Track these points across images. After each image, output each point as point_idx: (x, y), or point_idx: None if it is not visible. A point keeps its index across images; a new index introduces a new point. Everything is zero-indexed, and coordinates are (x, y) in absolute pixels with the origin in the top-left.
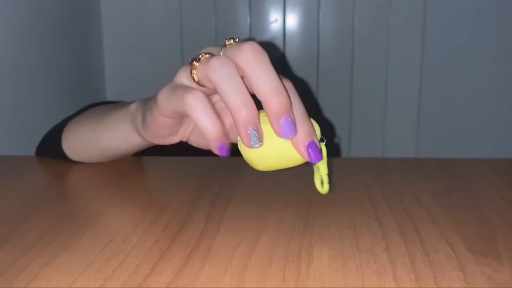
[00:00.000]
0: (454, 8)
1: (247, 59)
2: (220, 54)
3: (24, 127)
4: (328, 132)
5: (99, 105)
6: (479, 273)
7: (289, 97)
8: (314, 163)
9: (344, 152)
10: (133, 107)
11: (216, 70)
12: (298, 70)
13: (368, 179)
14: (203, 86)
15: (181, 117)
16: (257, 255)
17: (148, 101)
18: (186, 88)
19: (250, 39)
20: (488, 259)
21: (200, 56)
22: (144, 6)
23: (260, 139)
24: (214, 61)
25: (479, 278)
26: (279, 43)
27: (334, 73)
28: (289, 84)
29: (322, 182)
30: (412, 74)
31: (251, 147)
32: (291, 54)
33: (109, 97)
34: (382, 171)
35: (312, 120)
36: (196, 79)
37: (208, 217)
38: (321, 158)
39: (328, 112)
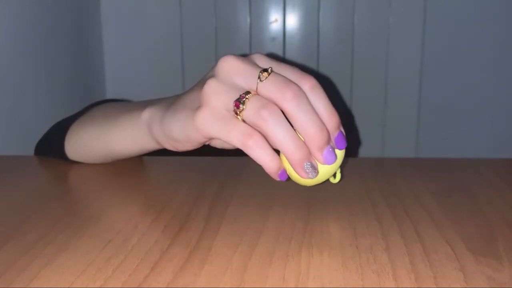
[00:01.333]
0: (454, 8)
1: (291, 105)
2: (257, 89)
3: (24, 127)
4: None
5: (104, 103)
6: (479, 273)
7: (327, 130)
8: (340, 149)
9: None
10: (146, 114)
11: (268, 123)
12: None
13: (368, 179)
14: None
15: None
16: (257, 255)
17: (168, 110)
18: (240, 126)
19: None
20: (488, 259)
21: (245, 99)
22: (144, 6)
23: (315, 169)
24: (265, 114)
25: (479, 278)
26: (279, 43)
27: (334, 73)
28: (313, 81)
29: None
30: (412, 74)
31: (308, 178)
32: (291, 54)
33: (109, 97)
34: (382, 171)
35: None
36: (241, 119)
37: (208, 217)
38: (346, 144)
39: None
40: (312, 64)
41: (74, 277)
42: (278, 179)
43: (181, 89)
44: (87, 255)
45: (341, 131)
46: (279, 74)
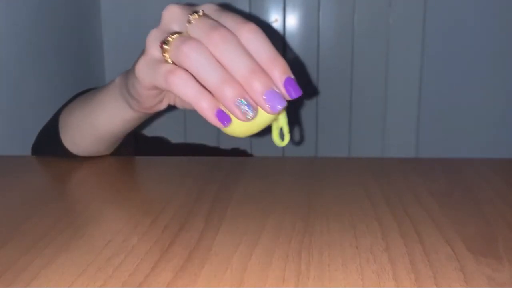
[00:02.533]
0: (454, 8)
1: (217, 46)
2: (186, 32)
3: (24, 127)
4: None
5: (85, 92)
6: (479, 273)
7: (264, 73)
8: (292, 98)
9: (344, 152)
10: (118, 80)
11: (189, 57)
12: (298, 70)
13: (368, 179)
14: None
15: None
16: (257, 255)
17: (130, 73)
18: (165, 66)
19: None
20: (488, 259)
21: (169, 38)
22: (144, 6)
23: (253, 107)
24: (185, 49)
25: (479, 278)
26: (279, 43)
27: (334, 73)
28: (252, 27)
29: (281, 135)
30: (412, 74)
31: (246, 119)
32: (291, 54)
33: None
34: (382, 171)
35: None
36: (170, 61)
37: (208, 217)
38: (300, 92)
39: (328, 112)
40: (312, 64)
41: (74, 277)
42: (217, 123)
43: None
44: (87, 255)
45: (291, 77)
46: (211, 19)
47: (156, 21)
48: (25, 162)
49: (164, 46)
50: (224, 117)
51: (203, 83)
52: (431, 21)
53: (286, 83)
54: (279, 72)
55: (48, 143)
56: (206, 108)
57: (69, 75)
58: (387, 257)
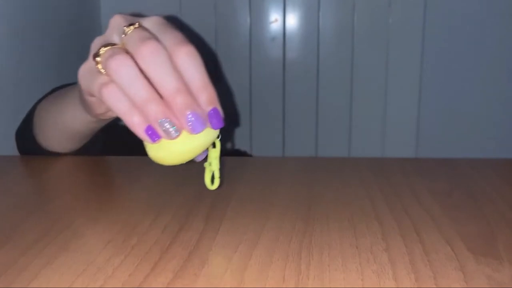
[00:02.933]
0: (454, 8)
1: (145, 60)
2: (119, 45)
3: None
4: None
5: (64, 86)
6: (479, 273)
7: (190, 94)
8: (215, 129)
9: (344, 152)
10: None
11: (116, 73)
12: (298, 70)
13: (368, 179)
14: None
15: None
16: (257, 255)
17: None
18: (100, 78)
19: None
20: (488, 259)
21: (100, 50)
22: (144, 7)
23: (175, 129)
24: (112, 64)
25: (479, 278)
26: (279, 43)
27: (334, 73)
28: (190, 49)
29: (213, 178)
30: (412, 74)
31: (170, 138)
32: (291, 54)
33: None
34: (382, 171)
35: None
36: (104, 72)
37: (208, 217)
38: (223, 124)
39: (328, 112)
40: (312, 64)
41: (74, 277)
42: (147, 139)
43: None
44: (87, 255)
45: (217, 108)
46: (146, 31)
47: None
48: (25, 162)
49: (96, 58)
50: (153, 134)
51: (130, 99)
52: (431, 21)
53: (211, 113)
54: (207, 100)
55: (24, 137)
56: (136, 124)
57: (68, 75)
58: (387, 257)
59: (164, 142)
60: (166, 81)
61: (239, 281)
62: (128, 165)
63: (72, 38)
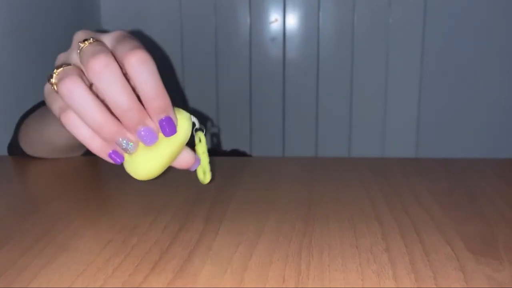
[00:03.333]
0: (454, 8)
1: (95, 77)
2: (74, 61)
3: None
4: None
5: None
6: (479, 273)
7: (143, 109)
8: (166, 136)
9: (344, 152)
10: None
11: (68, 98)
12: (298, 70)
13: (368, 179)
14: None
15: None
16: (257, 255)
17: None
18: (58, 102)
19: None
20: (488, 259)
21: (54, 72)
22: (144, 6)
23: (133, 144)
24: (63, 88)
25: (479, 278)
26: (279, 43)
27: (334, 73)
28: (141, 55)
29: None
30: (412, 74)
31: (129, 153)
32: (291, 54)
33: None
34: (382, 171)
35: (183, 111)
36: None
37: (208, 217)
38: (175, 131)
39: (328, 112)
40: (312, 64)
41: (74, 277)
42: (111, 161)
43: (182, 89)
44: (87, 255)
45: (169, 116)
46: (99, 45)
47: (155, 21)
48: (25, 163)
49: (51, 80)
50: (117, 156)
51: (87, 124)
52: (431, 21)
53: (163, 121)
54: (159, 109)
55: (15, 152)
56: (99, 150)
57: None
58: (387, 257)
59: (134, 157)
60: (116, 100)
61: (239, 281)
62: None
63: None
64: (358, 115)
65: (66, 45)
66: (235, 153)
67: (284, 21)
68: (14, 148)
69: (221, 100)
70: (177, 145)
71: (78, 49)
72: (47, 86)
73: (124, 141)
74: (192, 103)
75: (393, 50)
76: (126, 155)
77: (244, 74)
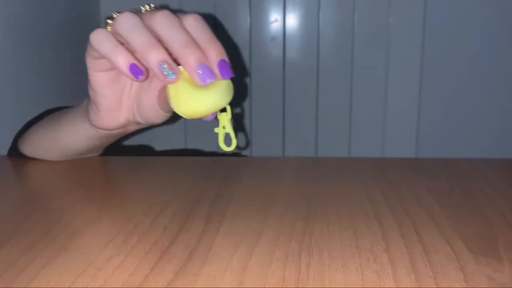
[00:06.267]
0: (454, 8)
1: (158, 21)
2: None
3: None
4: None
5: (57, 109)
6: (479, 273)
7: (200, 47)
8: (224, 79)
9: (344, 152)
10: (85, 101)
11: (122, 22)
12: (298, 70)
13: (368, 179)
14: None
15: (109, 67)
16: (257, 255)
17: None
18: (108, 38)
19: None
20: (488, 259)
21: (113, 14)
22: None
23: (173, 70)
24: (121, 15)
25: (479, 278)
26: (279, 43)
27: (334, 73)
28: (195, 15)
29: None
30: (412, 74)
31: (168, 81)
32: (291, 54)
33: None
34: (382, 171)
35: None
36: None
37: (208, 217)
38: (232, 74)
39: (328, 112)
40: (312, 64)
41: (74, 277)
42: (130, 76)
43: None
44: (87, 255)
45: (225, 59)
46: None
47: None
48: (24, 163)
49: (108, 21)
50: (137, 71)
51: (131, 45)
52: (431, 21)
53: (220, 64)
54: (215, 53)
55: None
56: (120, 62)
57: (68, 75)
58: (387, 257)
59: (184, 95)
60: (176, 37)
61: (239, 281)
62: (128, 165)
63: (72, 38)
64: (358, 115)
65: (66, 45)
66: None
67: (284, 21)
68: (13, 155)
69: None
70: (224, 97)
71: (141, 11)
72: (99, 33)
73: (165, 67)
74: None
75: (393, 50)
76: (175, 93)
77: (244, 74)
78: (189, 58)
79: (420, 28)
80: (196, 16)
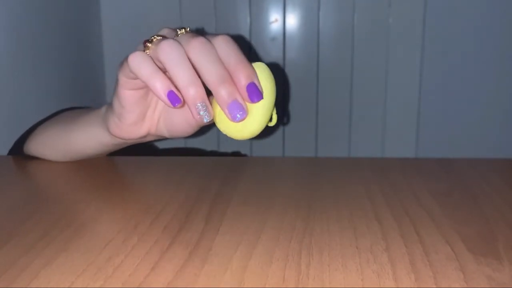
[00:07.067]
0: (454, 8)
1: (194, 50)
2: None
3: (23, 127)
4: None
5: (70, 110)
6: (479, 273)
7: (233, 83)
8: (254, 102)
9: (344, 152)
10: (104, 108)
11: (166, 51)
12: (298, 70)
13: (368, 179)
14: None
15: (141, 87)
16: (257, 255)
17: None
18: (147, 61)
19: (199, 30)
20: (488, 259)
21: (153, 38)
22: (144, 6)
23: (208, 112)
24: (164, 43)
25: (479, 278)
26: (279, 43)
27: (334, 73)
28: (225, 36)
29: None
30: (412, 74)
31: (201, 121)
32: (291, 54)
33: (109, 98)
34: (382, 171)
35: (259, 64)
36: (149, 53)
37: (208, 217)
38: (261, 97)
39: (328, 112)
40: (312, 64)
41: (74, 277)
42: (168, 102)
43: None
44: (87, 255)
45: (254, 83)
46: (194, 33)
47: (155, 21)
48: (24, 163)
49: (147, 44)
50: (175, 99)
51: (172, 77)
52: (431, 21)
53: (249, 88)
54: (244, 77)
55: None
56: (158, 88)
57: (68, 75)
58: (387, 257)
59: (228, 122)
60: (212, 70)
61: (239, 281)
62: (129, 165)
63: (72, 38)
64: (358, 115)
65: (66, 45)
66: (236, 155)
67: (284, 21)
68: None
69: None
70: (267, 107)
71: (176, 35)
72: (138, 56)
73: (202, 106)
74: None
75: (393, 50)
76: (223, 118)
77: None
78: (223, 95)
79: (420, 28)
80: (225, 37)
